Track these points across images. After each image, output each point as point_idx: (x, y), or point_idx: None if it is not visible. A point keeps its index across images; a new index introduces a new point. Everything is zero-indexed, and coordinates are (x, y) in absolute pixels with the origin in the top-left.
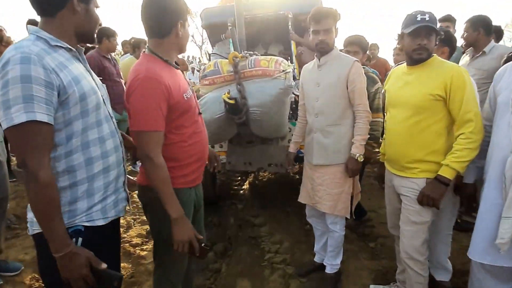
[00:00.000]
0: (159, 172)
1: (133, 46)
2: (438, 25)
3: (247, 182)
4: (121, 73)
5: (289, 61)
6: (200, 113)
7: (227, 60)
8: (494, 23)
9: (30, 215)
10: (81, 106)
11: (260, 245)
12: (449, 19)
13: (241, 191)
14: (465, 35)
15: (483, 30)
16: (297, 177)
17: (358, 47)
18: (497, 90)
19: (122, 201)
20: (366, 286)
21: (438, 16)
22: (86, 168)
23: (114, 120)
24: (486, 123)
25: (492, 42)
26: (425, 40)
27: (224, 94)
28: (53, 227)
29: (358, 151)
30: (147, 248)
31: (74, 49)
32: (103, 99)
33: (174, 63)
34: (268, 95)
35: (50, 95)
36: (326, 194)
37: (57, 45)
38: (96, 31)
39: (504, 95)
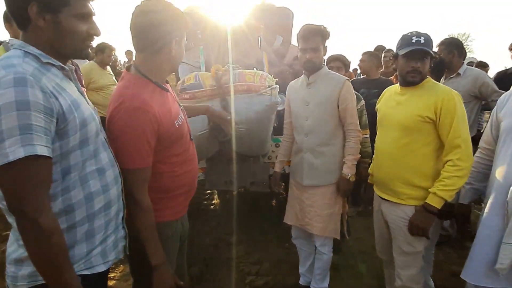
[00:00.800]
0: (145, 217)
1: (96, 50)
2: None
3: (216, 196)
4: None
5: None
6: (192, 139)
7: (209, 73)
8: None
9: (13, 269)
10: (80, 135)
11: (238, 267)
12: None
13: (212, 206)
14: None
15: (457, 52)
16: (269, 189)
17: (342, 63)
18: (501, 116)
19: (121, 240)
20: None
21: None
22: (86, 205)
23: (110, 150)
24: (485, 146)
25: (464, 64)
26: (419, 63)
27: None
28: (65, 281)
29: (350, 171)
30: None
31: (66, 68)
32: (99, 127)
33: (163, 85)
34: (254, 111)
35: (49, 123)
36: (316, 215)
37: (48, 63)
38: (84, 44)
39: (509, 121)
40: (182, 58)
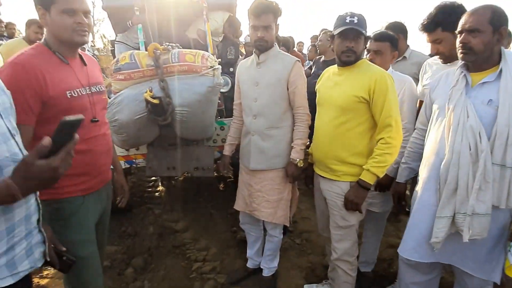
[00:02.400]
0: None
1: (25, 26)
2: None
3: (160, 183)
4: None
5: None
6: (95, 121)
7: (146, 52)
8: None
9: None
10: None
11: (185, 254)
12: (401, 30)
13: (157, 193)
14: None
15: (402, 36)
16: (214, 174)
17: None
18: (433, 96)
19: (38, 245)
20: (299, 286)
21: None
22: None
23: (19, 138)
24: (421, 126)
25: (410, 48)
26: (353, 42)
27: (146, 92)
28: None
29: (298, 156)
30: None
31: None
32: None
33: (65, 57)
34: (196, 93)
35: None
36: (264, 201)
37: None
38: None
39: (441, 100)
40: (62, 31)
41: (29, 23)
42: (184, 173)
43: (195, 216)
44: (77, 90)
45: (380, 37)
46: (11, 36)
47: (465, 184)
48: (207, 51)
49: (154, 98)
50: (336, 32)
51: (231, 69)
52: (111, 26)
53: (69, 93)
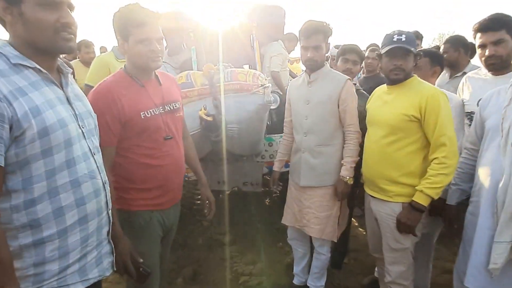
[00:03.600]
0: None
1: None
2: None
3: None
4: None
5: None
6: (168, 138)
7: (201, 72)
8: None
9: None
10: (41, 144)
11: (232, 267)
12: (417, 36)
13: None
14: (446, 55)
15: (463, 50)
16: (262, 189)
17: (358, 56)
18: (485, 115)
19: (107, 255)
20: None
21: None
22: (55, 220)
23: (99, 156)
24: (470, 146)
25: (471, 63)
26: (401, 60)
27: (200, 110)
28: None
29: (348, 173)
30: None
31: (44, 70)
32: (83, 132)
33: (142, 81)
34: (247, 111)
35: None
36: (314, 217)
37: (20, 64)
38: (58, 35)
39: (494, 119)
40: (143, 57)
41: (78, 46)
42: (233, 188)
43: (242, 230)
44: (150, 110)
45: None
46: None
47: None
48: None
49: (208, 115)
50: (383, 51)
51: None
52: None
53: (143, 113)
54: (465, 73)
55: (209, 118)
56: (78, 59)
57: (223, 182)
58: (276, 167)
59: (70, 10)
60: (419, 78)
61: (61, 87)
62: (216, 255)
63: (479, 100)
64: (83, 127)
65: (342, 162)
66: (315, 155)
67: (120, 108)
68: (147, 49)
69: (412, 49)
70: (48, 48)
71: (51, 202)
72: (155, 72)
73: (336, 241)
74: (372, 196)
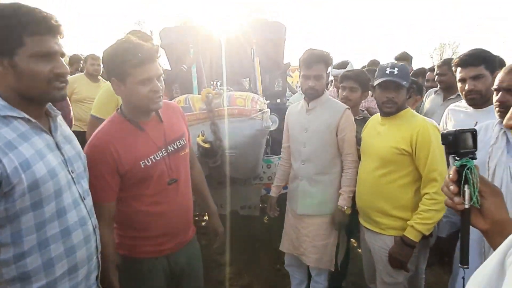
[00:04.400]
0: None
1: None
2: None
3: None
4: None
5: (256, 92)
6: (173, 182)
7: (199, 96)
8: (422, 49)
9: None
10: (30, 197)
11: None
12: (406, 58)
13: (203, 223)
14: (443, 77)
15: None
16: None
17: (356, 82)
18: None
19: None
20: None
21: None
22: (45, 272)
23: (88, 201)
24: None
25: None
26: (393, 93)
27: (198, 136)
28: None
29: (345, 203)
30: None
31: (33, 120)
32: (73, 178)
33: (141, 123)
34: (245, 136)
35: None
36: (311, 246)
37: (9, 116)
38: (51, 85)
39: (480, 156)
40: (144, 99)
41: (85, 59)
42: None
43: (240, 250)
44: (151, 157)
45: None
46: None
47: None
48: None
49: (205, 142)
50: (375, 83)
51: (278, 100)
52: (168, 62)
53: (143, 162)
54: (459, 95)
55: (206, 145)
56: (83, 73)
57: (221, 206)
58: (273, 193)
59: (159, 79)
60: (412, 110)
61: (50, 131)
62: (213, 277)
63: None
64: (72, 172)
65: (340, 192)
66: (313, 184)
67: (118, 160)
68: (147, 90)
69: (404, 83)
70: (40, 98)
71: (41, 254)
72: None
73: (333, 270)
74: (365, 227)
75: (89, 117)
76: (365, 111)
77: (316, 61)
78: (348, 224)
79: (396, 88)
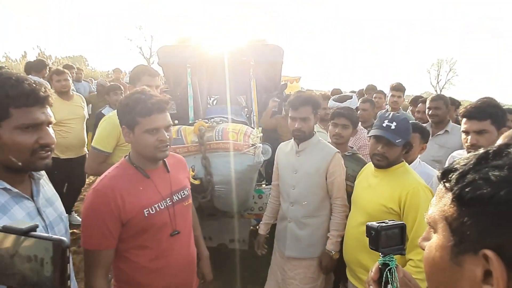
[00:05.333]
0: None
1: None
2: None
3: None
4: None
5: (252, 112)
6: (175, 233)
7: (192, 128)
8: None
9: None
10: None
11: None
12: (400, 89)
13: None
14: (437, 111)
15: (452, 108)
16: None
17: (348, 120)
18: None
19: None
20: None
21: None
22: None
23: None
24: None
25: (450, 122)
26: (385, 148)
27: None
28: None
29: (333, 248)
30: None
31: (13, 189)
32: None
33: (147, 171)
34: (236, 171)
35: None
36: None
37: None
38: (35, 156)
39: None
40: (150, 147)
41: (50, 76)
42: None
43: (228, 277)
44: (155, 206)
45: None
46: (78, 79)
47: None
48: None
49: (195, 178)
50: (369, 134)
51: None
52: (165, 81)
53: (146, 211)
54: (447, 131)
55: (196, 182)
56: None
57: (209, 238)
58: (262, 231)
59: (167, 129)
60: (407, 165)
61: (32, 196)
62: None
63: None
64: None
65: (328, 235)
66: (301, 226)
67: (121, 207)
68: (154, 139)
69: (398, 141)
70: (23, 168)
71: None
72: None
73: None
74: (350, 282)
75: (91, 149)
76: (353, 147)
77: (303, 103)
78: (337, 267)
79: (389, 143)
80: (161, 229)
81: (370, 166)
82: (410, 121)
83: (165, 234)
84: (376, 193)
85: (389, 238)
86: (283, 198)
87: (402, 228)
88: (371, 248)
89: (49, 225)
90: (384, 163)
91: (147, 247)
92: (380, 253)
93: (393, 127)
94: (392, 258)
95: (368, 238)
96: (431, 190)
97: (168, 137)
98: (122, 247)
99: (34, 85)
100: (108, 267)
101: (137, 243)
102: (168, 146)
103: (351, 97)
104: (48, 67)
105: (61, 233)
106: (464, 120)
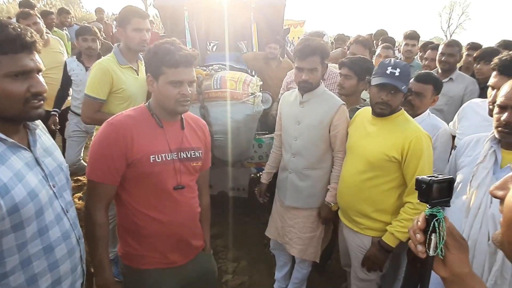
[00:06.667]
0: (92, 229)
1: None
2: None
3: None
4: None
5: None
6: (179, 188)
7: None
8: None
9: None
10: (10, 220)
11: (217, 263)
12: (415, 37)
13: None
14: (450, 59)
15: (459, 57)
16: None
17: (351, 71)
18: (459, 164)
19: None
20: None
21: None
22: (29, 287)
23: (71, 212)
24: None
25: (457, 70)
26: (389, 96)
27: None
28: None
29: (332, 200)
30: None
31: (8, 139)
32: (54, 192)
33: (162, 121)
34: (235, 121)
35: None
36: (296, 237)
37: None
38: (28, 105)
39: (465, 173)
40: (171, 100)
41: (17, 20)
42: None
43: (228, 222)
44: (162, 155)
45: (424, 79)
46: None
47: (479, 275)
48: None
49: None
50: (373, 83)
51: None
52: (162, 24)
53: (152, 157)
54: (451, 79)
55: None
56: None
57: (210, 187)
58: (264, 179)
59: (191, 84)
60: (405, 113)
61: (29, 146)
62: None
63: None
64: (54, 187)
65: (328, 187)
66: (302, 178)
67: (129, 145)
68: (176, 92)
69: (403, 87)
70: (16, 118)
71: (24, 272)
72: (181, 115)
73: (318, 261)
74: (344, 224)
75: (84, 97)
76: (367, 100)
77: (311, 53)
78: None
79: (393, 90)
80: (165, 180)
81: (363, 114)
82: (422, 71)
83: (169, 187)
84: (376, 141)
85: (439, 191)
86: (285, 149)
87: (450, 182)
88: (420, 201)
89: (49, 175)
90: (387, 111)
91: (150, 196)
92: (428, 205)
93: (397, 73)
94: (440, 209)
95: (417, 191)
96: (431, 138)
97: (190, 92)
98: (127, 192)
99: (19, 29)
100: (109, 201)
101: (142, 190)
102: (189, 102)
103: (324, 35)
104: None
105: (62, 183)
106: (494, 73)
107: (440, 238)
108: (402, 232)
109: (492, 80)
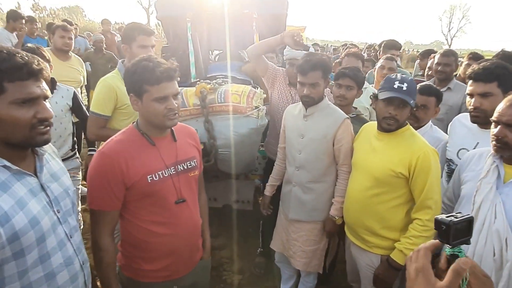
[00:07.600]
0: (100, 257)
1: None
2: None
3: None
4: None
5: None
6: (180, 201)
7: (193, 90)
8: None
9: None
10: (11, 248)
11: (221, 276)
12: (394, 46)
13: None
14: (446, 68)
15: (455, 66)
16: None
17: (353, 81)
18: (462, 178)
19: None
20: None
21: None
22: None
23: (76, 237)
24: (447, 202)
25: (454, 79)
26: (397, 110)
27: None
28: None
29: (337, 214)
30: None
31: (13, 167)
32: (58, 218)
33: (153, 138)
34: (239, 135)
35: None
36: (300, 250)
37: None
38: (34, 131)
39: (469, 188)
40: (159, 115)
41: (53, 30)
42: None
43: (232, 232)
44: (159, 173)
45: (427, 91)
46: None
47: None
48: None
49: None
50: (381, 97)
51: None
52: (165, 35)
53: (150, 177)
54: (449, 88)
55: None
56: (49, 47)
57: (214, 199)
58: (268, 192)
59: (175, 97)
60: (412, 128)
61: (35, 172)
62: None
63: (459, 150)
64: (58, 212)
65: (332, 201)
66: (305, 191)
67: (125, 171)
68: (163, 107)
69: (412, 102)
70: (23, 144)
71: None
72: (171, 128)
73: (321, 272)
74: (352, 241)
75: (89, 114)
76: (357, 108)
77: (312, 68)
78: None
79: (400, 104)
80: (166, 197)
81: (368, 129)
82: (423, 84)
83: (170, 202)
84: (383, 157)
85: (459, 231)
86: (289, 162)
87: (470, 221)
88: (440, 241)
89: (54, 200)
90: (394, 127)
91: (152, 212)
92: (448, 245)
93: (404, 88)
94: (461, 249)
95: (436, 231)
96: (438, 153)
97: (176, 105)
98: (129, 211)
99: (26, 58)
100: (113, 226)
101: (143, 208)
102: (177, 114)
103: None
104: (23, 19)
105: (68, 208)
106: (469, 82)
107: (463, 280)
108: (411, 249)
109: (468, 89)
